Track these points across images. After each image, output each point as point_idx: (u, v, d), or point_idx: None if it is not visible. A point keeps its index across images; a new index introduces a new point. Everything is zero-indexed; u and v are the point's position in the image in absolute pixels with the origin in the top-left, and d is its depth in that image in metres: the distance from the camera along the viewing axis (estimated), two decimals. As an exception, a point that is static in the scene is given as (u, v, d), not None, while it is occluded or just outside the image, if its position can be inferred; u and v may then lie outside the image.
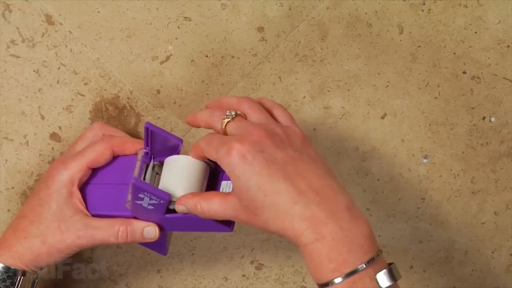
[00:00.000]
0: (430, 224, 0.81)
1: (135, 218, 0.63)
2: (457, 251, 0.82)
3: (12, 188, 0.73)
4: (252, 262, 0.79)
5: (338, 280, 0.53)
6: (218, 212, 0.58)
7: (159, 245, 0.67)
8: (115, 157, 0.66)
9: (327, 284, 0.54)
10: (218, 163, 0.57)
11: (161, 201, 0.59)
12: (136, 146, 0.66)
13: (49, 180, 0.64)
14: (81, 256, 0.75)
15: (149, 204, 0.60)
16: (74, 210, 0.63)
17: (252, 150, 0.55)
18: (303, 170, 0.56)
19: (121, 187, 0.64)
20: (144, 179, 0.63)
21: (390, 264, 0.55)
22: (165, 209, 0.60)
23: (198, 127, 0.62)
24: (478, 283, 0.83)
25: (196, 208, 0.59)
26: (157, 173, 0.63)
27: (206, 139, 0.59)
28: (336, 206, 0.55)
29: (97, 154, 0.65)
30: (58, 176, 0.63)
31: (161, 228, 0.64)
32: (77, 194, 0.64)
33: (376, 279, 0.53)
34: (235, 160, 0.55)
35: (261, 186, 0.54)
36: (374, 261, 0.54)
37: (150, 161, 0.64)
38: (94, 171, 0.65)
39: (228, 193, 0.58)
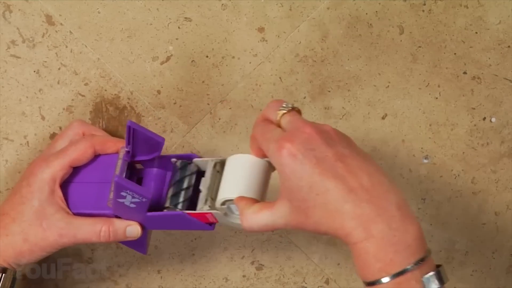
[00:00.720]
0: (431, 224, 0.81)
1: (116, 216, 0.63)
2: (457, 251, 0.82)
3: (13, 188, 0.73)
4: (252, 263, 0.79)
5: (385, 280, 0.52)
6: (269, 223, 0.56)
7: (139, 244, 0.67)
8: (96, 156, 0.66)
9: (373, 283, 0.53)
10: (269, 158, 0.56)
11: (143, 199, 0.59)
12: (118, 145, 0.66)
13: (31, 178, 0.64)
14: (81, 257, 0.75)
15: (131, 203, 0.60)
16: (56, 208, 0.63)
17: (302, 148, 0.54)
18: (353, 167, 0.54)
19: (102, 185, 0.64)
20: (203, 176, 0.62)
21: (438, 266, 0.54)
22: (147, 208, 0.60)
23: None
24: (478, 283, 0.83)
25: (243, 220, 0.57)
26: (218, 171, 0.62)
27: (260, 129, 0.58)
28: (387, 204, 0.53)
29: (79, 152, 0.64)
30: (40, 174, 0.63)
31: (142, 227, 0.64)
32: (59, 193, 0.64)
33: (422, 281, 0.52)
34: (286, 160, 0.54)
35: (313, 185, 0.53)
36: (422, 263, 0.53)
37: (131, 159, 0.64)
38: (76, 170, 0.65)
39: (272, 202, 0.56)
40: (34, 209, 0.63)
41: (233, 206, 0.60)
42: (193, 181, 0.63)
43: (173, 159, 0.64)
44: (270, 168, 0.61)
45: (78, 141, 0.66)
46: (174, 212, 0.61)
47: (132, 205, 0.60)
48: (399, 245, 0.53)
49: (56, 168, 0.63)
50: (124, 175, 0.63)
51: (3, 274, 0.63)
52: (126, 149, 0.64)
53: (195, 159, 0.64)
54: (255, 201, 0.58)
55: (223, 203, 0.60)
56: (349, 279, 0.80)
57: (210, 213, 0.60)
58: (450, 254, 0.82)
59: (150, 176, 0.65)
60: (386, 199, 0.54)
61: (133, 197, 0.59)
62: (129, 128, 0.61)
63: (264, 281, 0.79)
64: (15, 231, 0.63)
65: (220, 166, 0.62)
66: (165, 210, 0.62)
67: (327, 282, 0.80)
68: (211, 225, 0.62)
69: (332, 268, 0.80)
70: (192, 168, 0.63)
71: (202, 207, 0.61)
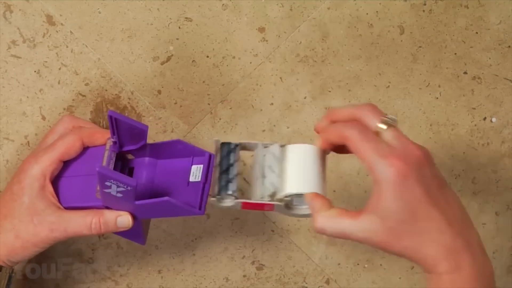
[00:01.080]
0: (431, 224, 0.81)
1: (107, 207, 0.63)
2: (458, 251, 0.82)
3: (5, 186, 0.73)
4: (253, 263, 0.79)
5: None
6: (347, 232, 0.56)
7: (135, 234, 0.66)
8: (85, 149, 0.66)
9: None
10: (369, 168, 0.55)
11: (129, 188, 0.59)
12: (105, 136, 0.65)
13: (21, 175, 0.63)
14: (81, 257, 0.75)
15: (117, 192, 0.59)
16: (47, 204, 0.63)
17: (414, 172, 0.54)
18: (450, 199, 0.56)
19: (91, 177, 0.64)
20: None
21: None
22: (134, 196, 0.60)
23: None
24: (479, 283, 0.83)
25: (317, 224, 0.56)
26: (277, 157, 0.60)
27: (357, 131, 0.56)
28: (472, 240, 0.55)
29: (67, 146, 0.64)
30: (30, 170, 0.63)
31: (134, 217, 0.64)
32: (49, 188, 0.64)
33: None
34: (397, 179, 0.53)
35: (417, 211, 0.54)
36: None
37: (119, 150, 0.64)
38: (65, 164, 0.65)
39: (360, 212, 0.55)
40: (24, 205, 0.63)
41: (297, 199, 0.59)
42: (239, 167, 0.61)
43: (216, 138, 0.62)
44: (327, 158, 0.60)
45: (66, 135, 0.65)
46: (161, 199, 0.60)
47: (119, 195, 0.59)
48: (484, 280, 0.55)
49: (45, 163, 0.63)
50: (111, 166, 0.62)
51: None
52: (113, 140, 0.63)
53: (244, 141, 0.62)
54: (329, 201, 0.58)
55: (288, 196, 0.59)
56: (350, 279, 0.80)
57: (271, 204, 0.59)
58: (451, 254, 0.82)
59: (142, 165, 0.65)
60: (471, 235, 0.56)
61: (118, 186, 0.58)
62: (110, 118, 0.61)
63: (264, 281, 0.79)
64: (6, 228, 0.63)
65: (281, 152, 0.60)
66: (214, 199, 0.60)
67: (327, 282, 0.80)
68: (201, 209, 0.61)
69: (332, 268, 0.80)
70: (237, 152, 0.61)
71: (263, 198, 0.59)
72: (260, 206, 0.60)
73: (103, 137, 0.65)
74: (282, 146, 0.60)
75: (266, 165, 0.60)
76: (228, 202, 0.60)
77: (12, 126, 0.72)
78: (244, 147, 0.62)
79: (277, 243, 0.78)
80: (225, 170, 0.61)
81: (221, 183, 0.61)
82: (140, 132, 0.62)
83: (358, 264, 0.80)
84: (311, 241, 0.79)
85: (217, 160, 0.62)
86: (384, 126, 0.56)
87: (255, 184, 0.60)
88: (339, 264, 0.80)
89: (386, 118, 0.57)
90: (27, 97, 0.72)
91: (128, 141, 0.64)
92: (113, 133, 0.63)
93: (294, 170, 0.59)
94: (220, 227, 0.77)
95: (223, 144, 0.62)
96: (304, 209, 0.59)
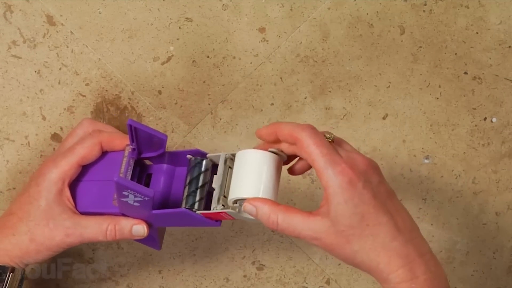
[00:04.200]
0: (432, 224, 0.81)
1: (123, 215, 0.63)
2: (458, 251, 0.82)
3: (14, 188, 0.73)
4: (253, 263, 0.79)
5: None
6: (297, 229, 0.57)
7: (151, 240, 0.67)
8: (104, 153, 0.66)
9: None
10: (319, 174, 0.56)
11: (146, 198, 0.59)
12: (125, 142, 0.65)
13: (39, 178, 0.64)
14: (82, 257, 0.75)
15: (134, 201, 0.60)
16: (63, 208, 0.63)
17: (362, 179, 0.55)
18: (398, 207, 0.57)
19: (109, 184, 0.64)
20: (215, 173, 0.61)
21: None
22: (151, 206, 0.60)
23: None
24: (479, 283, 0.83)
25: (270, 219, 0.57)
26: (229, 167, 0.62)
27: (310, 134, 0.56)
28: (423, 249, 0.56)
29: (86, 150, 0.64)
30: (48, 174, 0.63)
31: (150, 225, 0.64)
32: (67, 192, 0.64)
33: None
34: (345, 185, 0.55)
35: (366, 215, 0.55)
36: None
37: (137, 157, 0.64)
38: (84, 168, 0.65)
39: (314, 213, 0.57)
40: (41, 209, 0.63)
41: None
42: (208, 177, 0.63)
43: (188, 156, 0.64)
44: (280, 163, 0.60)
45: (85, 139, 0.65)
46: (179, 210, 0.61)
47: (136, 204, 0.60)
48: (439, 286, 0.55)
49: (64, 168, 0.63)
50: (130, 173, 0.63)
51: (11, 274, 0.63)
52: (132, 147, 0.64)
53: (209, 154, 0.63)
54: (270, 201, 0.58)
55: (235, 202, 0.59)
56: (350, 279, 0.80)
57: (224, 212, 0.60)
58: (451, 254, 0.82)
59: (160, 172, 0.65)
60: (422, 243, 0.57)
61: (135, 196, 0.59)
62: (130, 126, 0.61)
63: (265, 281, 0.79)
64: (22, 230, 0.63)
65: (231, 161, 0.62)
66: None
67: (328, 282, 0.80)
68: (218, 221, 0.62)
69: (333, 268, 0.80)
70: (206, 164, 0.63)
71: (215, 207, 0.60)
72: (218, 215, 0.61)
73: (122, 143, 0.65)
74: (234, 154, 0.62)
75: (221, 174, 0.61)
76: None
77: (13, 126, 0.72)
78: (211, 159, 0.63)
79: (278, 243, 0.78)
80: (192, 180, 0.63)
81: (186, 194, 0.62)
82: (159, 140, 0.63)
83: (358, 264, 0.80)
84: (311, 241, 0.79)
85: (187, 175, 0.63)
86: (329, 139, 0.58)
87: (213, 194, 0.61)
88: (339, 264, 0.80)
89: (327, 135, 0.58)
90: (28, 97, 0.72)
91: (147, 148, 0.64)
92: (132, 141, 0.63)
93: (239, 176, 0.60)
94: (221, 227, 0.77)
95: (194, 158, 0.63)
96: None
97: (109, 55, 0.73)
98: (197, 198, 0.62)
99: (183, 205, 0.62)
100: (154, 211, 0.61)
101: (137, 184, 0.59)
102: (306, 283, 0.80)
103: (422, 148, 0.79)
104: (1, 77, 0.71)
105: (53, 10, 0.72)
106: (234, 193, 0.59)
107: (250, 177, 0.59)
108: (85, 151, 0.64)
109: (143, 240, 0.66)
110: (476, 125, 0.80)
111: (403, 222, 0.56)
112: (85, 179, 0.65)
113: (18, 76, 0.72)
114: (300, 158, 0.61)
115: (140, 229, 0.63)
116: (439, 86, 0.79)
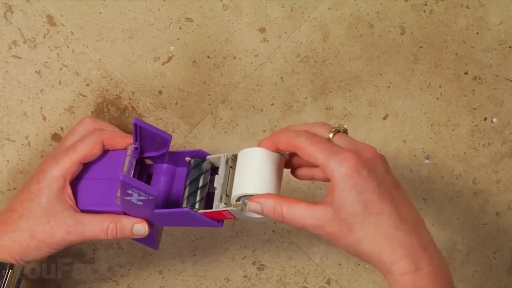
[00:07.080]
0: (432, 224, 0.81)
1: (124, 213, 0.63)
2: (459, 251, 0.82)
3: (14, 189, 0.73)
4: (254, 263, 0.79)
5: None
6: (301, 219, 0.56)
7: (150, 240, 0.67)
8: (105, 152, 0.66)
9: None
10: (323, 167, 0.56)
11: (150, 197, 0.59)
12: (126, 141, 0.65)
13: (40, 175, 0.64)
14: (82, 257, 0.75)
15: (138, 200, 0.60)
16: (64, 206, 0.63)
17: (367, 166, 0.55)
18: (403, 198, 0.57)
19: (111, 182, 0.64)
20: (214, 175, 0.62)
21: None
22: (154, 205, 0.60)
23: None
24: (480, 283, 0.83)
25: (275, 211, 0.57)
26: (231, 167, 0.62)
27: (305, 137, 0.57)
28: (427, 241, 0.56)
29: (88, 148, 0.64)
30: (50, 171, 0.63)
31: (150, 224, 0.64)
32: (68, 190, 0.64)
33: None
34: (351, 172, 0.54)
35: (369, 203, 0.54)
36: None
37: (140, 156, 0.64)
38: (85, 166, 0.65)
39: (318, 202, 0.56)
40: (42, 206, 0.63)
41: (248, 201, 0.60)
42: (208, 179, 0.63)
43: (187, 158, 0.64)
44: (282, 161, 0.61)
45: (86, 137, 0.65)
46: (181, 210, 0.61)
47: (139, 203, 0.60)
48: (444, 280, 0.55)
49: (66, 166, 0.63)
50: (132, 172, 0.63)
51: (10, 270, 0.63)
52: (134, 146, 0.64)
53: (209, 156, 0.64)
54: (274, 195, 0.58)
55: (238, 199, 0.59)
56: (350, 279, 0.80)
57: (227, 210, 0.60)
58: (452, 254, 0.82)
59: (160, 172, 0.65)
60: (426, 235, 0.56)
61: (139, 195, 0.59)
62: (135, 125, 0.62)
63: (265, 282, 0.79)
64: (22, 227, 0.63)
65: (232, 161, 0.62)
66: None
67: (328, 282, 0.80)
68: (220, 222, 0.62)
69: (333, 269, 0.80)
70: (206, 165, 0.63)
71: (218, 205, 0.60)
72: (219, 214, 0.61)
73: (124, 141, 0.65)
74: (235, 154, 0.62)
75: (223, 174, 0.61)
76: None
77: (13, 127, 0.72)
78: (210, 161, 0.64)
79: (278, 243, 0.78)
80: (192, 181, 0.63)
81: (186, 194, 0.62)
82: (163, 140, 0.63)
83: (359, 264, 0.80)
84: (312, 242, 0.79)
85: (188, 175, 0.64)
86: (333, 133, 0.58)
87: (215, 194, 0.61)
88: (340, 264, 0.80)
89: (336, 128, 0.59)
90: (28, 97, 0.72)
91: (149, 148, 0.64)
92: (135, 140, 0.63)
93: (241, 174, 0.60)
94: (221, 228, 0.76)
95: (194, 160, 0.64)
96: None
97: (110, 55, 0.73)
98: (198, 198, 0.62)
99: (184, 205, 0.62)
100: (156, 211, 0.61)
101: (142, 183, 0.59)
102: (307, 283, 0.80)
103: (423, 148, 0.79)
104: (1, 77, 0.71)
105: (54, 10, 0.72)
106: (238, 189, 0.59)
107: (253, 174, 0.59)
108: (87, 149, 0.64)
109: (142, 239, 0.66)
110: (476, 125, 0.80)
111: (407, 213, 0.56)
112: (86, 177, 0.65)
113: (18, 76, 0.72)
114: (304, 166, 0.61)
115: (141, 228, 0.63)
116: (440, 86, 0.79)
